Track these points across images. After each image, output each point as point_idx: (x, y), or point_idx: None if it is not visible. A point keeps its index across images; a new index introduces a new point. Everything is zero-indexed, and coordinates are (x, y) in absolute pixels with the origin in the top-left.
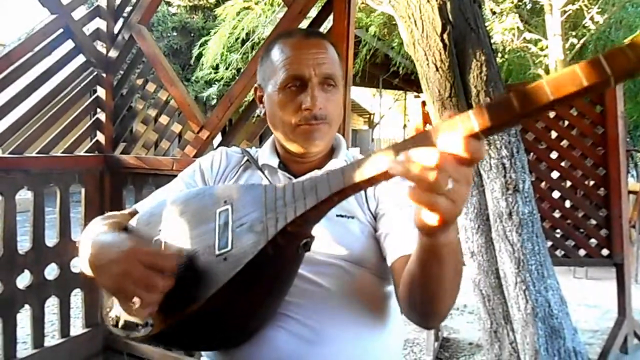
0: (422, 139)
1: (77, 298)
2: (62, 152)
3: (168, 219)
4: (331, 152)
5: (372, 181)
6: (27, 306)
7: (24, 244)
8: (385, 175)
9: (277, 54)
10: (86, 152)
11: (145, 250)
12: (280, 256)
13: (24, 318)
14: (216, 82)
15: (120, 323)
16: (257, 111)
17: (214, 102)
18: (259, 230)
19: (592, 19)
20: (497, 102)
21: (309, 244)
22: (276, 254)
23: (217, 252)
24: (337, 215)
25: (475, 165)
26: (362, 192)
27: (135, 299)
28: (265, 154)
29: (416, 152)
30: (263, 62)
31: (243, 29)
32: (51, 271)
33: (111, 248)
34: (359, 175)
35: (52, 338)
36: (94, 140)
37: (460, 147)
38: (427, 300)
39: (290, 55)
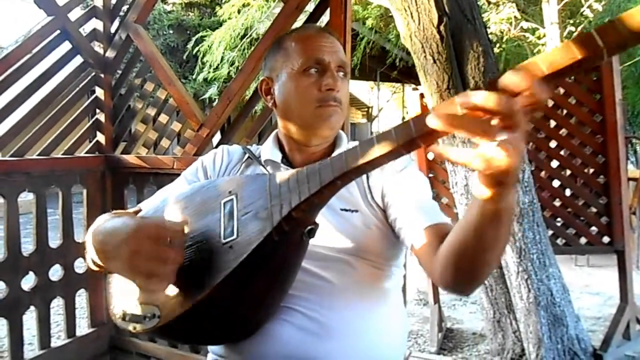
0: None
1: (81, 298)
2: (63, 154)
3: (173, 212)
4: (333, 146)
5: (375, 162)
6: (32, 307)
7: (27, 246)
8: (392, 154)
9: (292, 44)
10: (86, 153)
11: (150, 225)
12: (286, 243)
13: (29, 320)
14: (215, 81)
15: (127, 317)
16: (263, 104)
17: (216, 101)
18: (264, 217)
19: (590, 7)
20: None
21: (314, 231)
22: (281, 240)
23: (223, 241)
24: (341, 209)
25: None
26: (365, 184)
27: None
28: (267, 150)
29: (463, 99)
30: (274, 54)
31: (242, 26)
32: (55, 272)
33: (117, 231)
34: (363, 158)
35: (58, 339)
36: (94, 141)
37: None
38: (477, 266)
39: (308, 42)
